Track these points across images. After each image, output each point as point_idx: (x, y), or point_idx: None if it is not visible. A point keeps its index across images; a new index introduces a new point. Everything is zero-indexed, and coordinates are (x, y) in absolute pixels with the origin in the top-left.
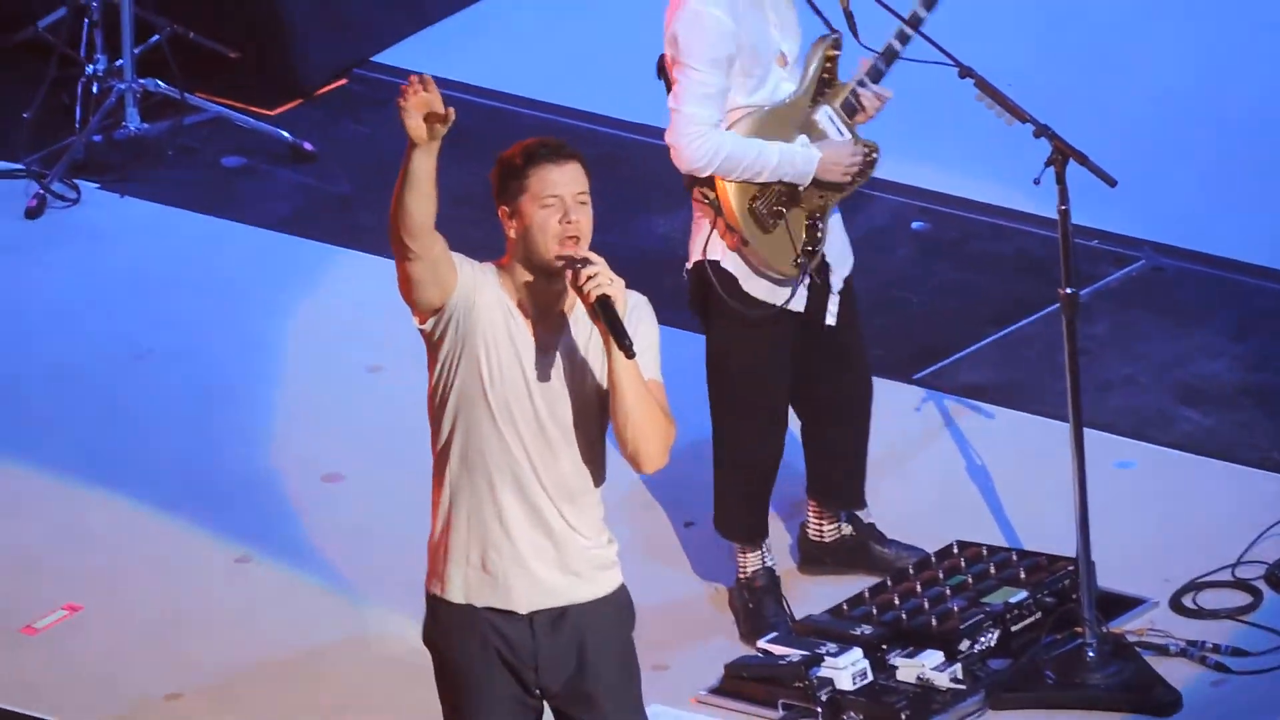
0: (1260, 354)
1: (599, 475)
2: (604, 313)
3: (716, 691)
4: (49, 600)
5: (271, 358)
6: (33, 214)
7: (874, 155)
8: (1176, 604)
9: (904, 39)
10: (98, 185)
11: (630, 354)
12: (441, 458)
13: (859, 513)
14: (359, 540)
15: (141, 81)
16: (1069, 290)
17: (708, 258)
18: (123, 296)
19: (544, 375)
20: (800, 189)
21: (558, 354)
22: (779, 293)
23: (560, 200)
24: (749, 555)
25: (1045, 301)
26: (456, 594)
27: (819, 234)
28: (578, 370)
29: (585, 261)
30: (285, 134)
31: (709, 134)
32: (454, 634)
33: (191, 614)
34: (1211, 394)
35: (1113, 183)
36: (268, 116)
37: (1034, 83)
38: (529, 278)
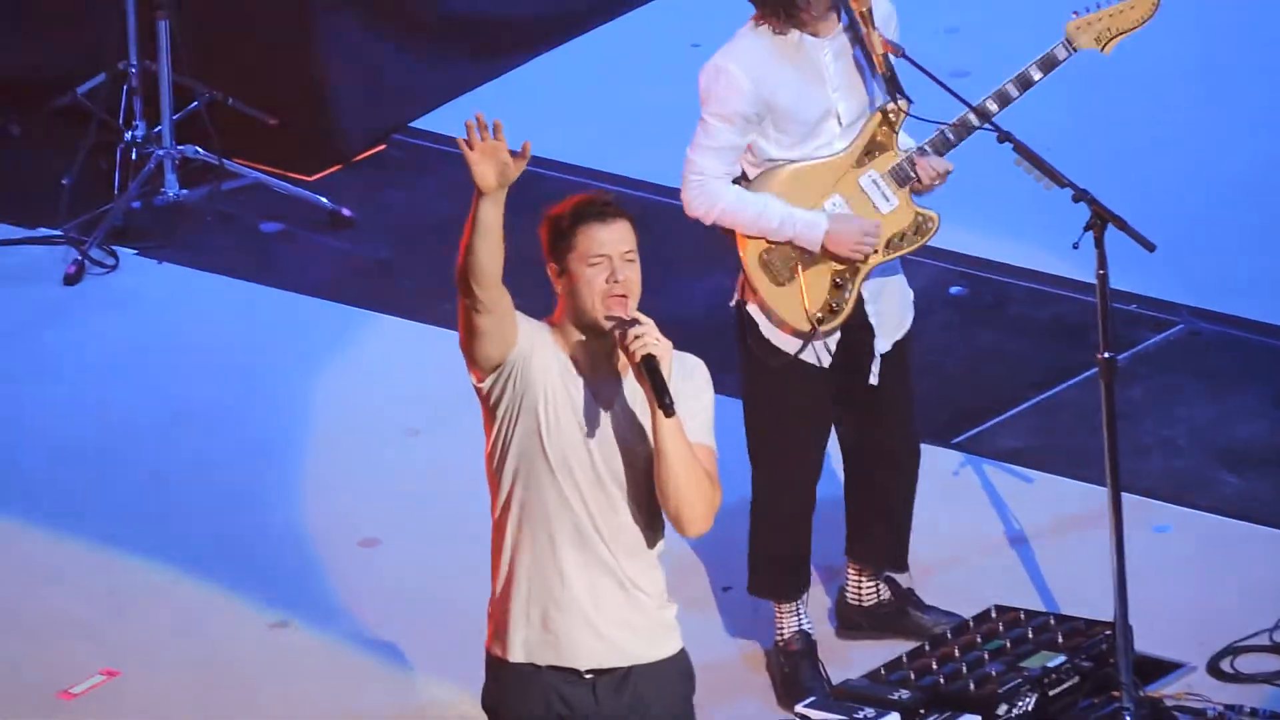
0: None
1: (658, 532)
2: (648, 372)
3: None
4: (86, 666)
5: (309, 422)
6: (71, 280)
7: (930, 224)
8: (1214, 668)
9: (984, 116)
10: (136, 251)
11: (670, 413)
12: (501, 517)
13: (898, 577)
14: (396, 605)
15: (180, 148)
16: (1107, 355)
17: (740, 298)
18: (161, 362)
19: (600, 430)
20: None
21: (614, 409)
22: (793, 343)
23: (608, 259)
24: (785, 619)
25: (1083, 366)
26: (518, 653)
27: (846, 295)
28: (632, 426)
29: (634, 322)
30: (324, 199)
31: (708, 184)
32: (515, 696)
33: (229, 679)
34: (1250, 458)
35: (1151, 247)
36: (306, 182)
37: (1072, 148)
38: (580, 335)
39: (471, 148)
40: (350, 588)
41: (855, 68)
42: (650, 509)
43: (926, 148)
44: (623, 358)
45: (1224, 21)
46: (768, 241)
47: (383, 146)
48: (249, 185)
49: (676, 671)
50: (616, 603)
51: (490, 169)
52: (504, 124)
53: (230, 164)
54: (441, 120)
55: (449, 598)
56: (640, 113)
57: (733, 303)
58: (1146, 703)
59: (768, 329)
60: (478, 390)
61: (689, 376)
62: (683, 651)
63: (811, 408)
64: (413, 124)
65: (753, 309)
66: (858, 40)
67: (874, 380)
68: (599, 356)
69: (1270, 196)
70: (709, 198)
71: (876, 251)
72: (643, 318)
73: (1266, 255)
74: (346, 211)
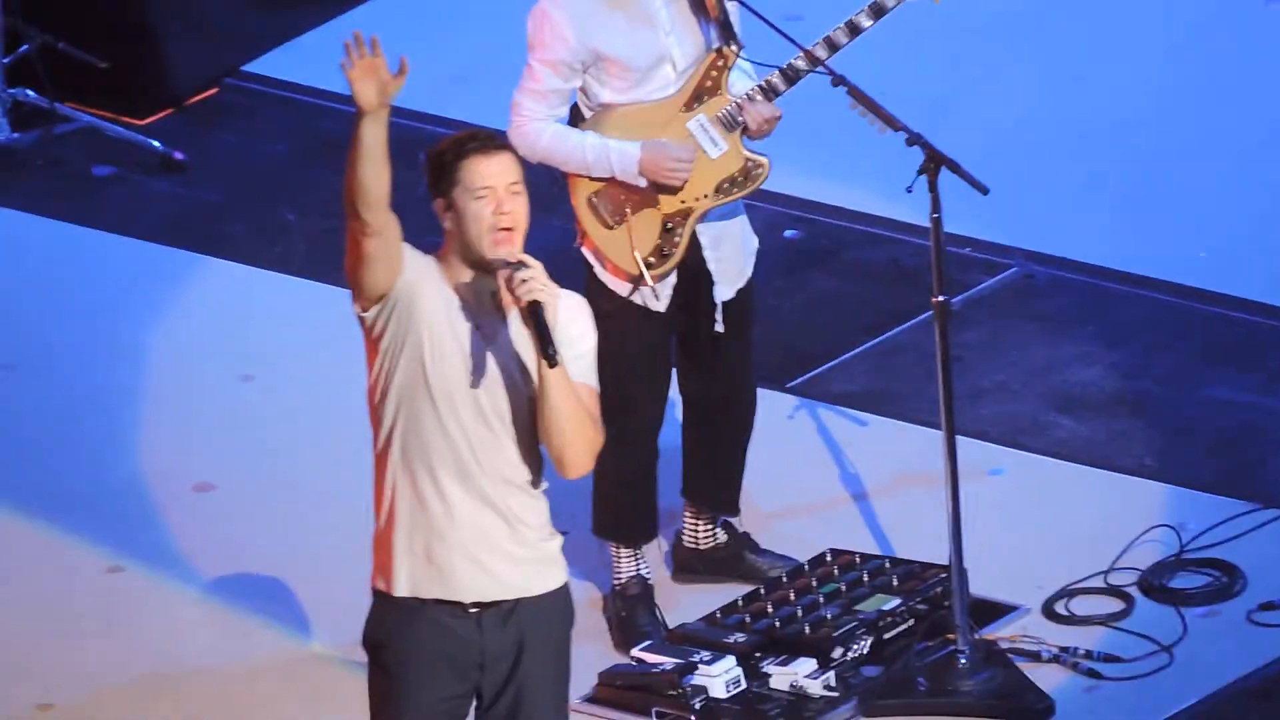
0: (1133, 362)
1: (541, 466)
2: (534, 319)
3: (590, 700)
4: None
5: (142, 368)
6: None
7: (758, 170)
8: (1049, 611)
9: (815, 61)
10: None
11: (553, 364)
12: (383, 450)
13: (733, 521)
14: (231, 550)
15: (11, 91)
16: (941, 298)
17: (578, 242)
18: None
19: (484, 366)
20: (655, 192)
21: (498, 345)
22: (626, 287)
23: (493, 191)
24: (623, 563)
25: (918, 309)
26: (402, 587)
27: (676, 239)
28: (517, 363)
29: (520, 265)
30: (156, 143)
31: (529, 125)
32: (400, 630)
33: (62, 624)
34: (1085, 401)
35: (985, 190)
36: (138, 126)
37: (906, 92)
38: (467, 270)
39: (352, 66)
40: (184, 533)
41: (690, 12)
42: (533, 444)
43: (755, 94)
44: (508, 297)
45: None
46: (596, 183)
47: (215, 90)
48: (80, 129)
49: (559, 608)
50: (500, 536)
51: (370, 87)
52: (336, 68)
53: (62, 108)
54: (274, 64)
55: (283, 543)
56: (474, 55)
57: (575, 244)
58: (981, 645)
59: (600, 272)
60: (361, 320)
61: (574, 319)
62: (565, 586)
63: (648, 354)
64: (245, 68)
65: (586, 252)
66: None
67: (719, 329)
68: (485, 292)
69: (1103, 139)
70: (530, 138)
71: (707, 196)
72: (530, 260)
73: (1099, 198)
74: (178, 155)
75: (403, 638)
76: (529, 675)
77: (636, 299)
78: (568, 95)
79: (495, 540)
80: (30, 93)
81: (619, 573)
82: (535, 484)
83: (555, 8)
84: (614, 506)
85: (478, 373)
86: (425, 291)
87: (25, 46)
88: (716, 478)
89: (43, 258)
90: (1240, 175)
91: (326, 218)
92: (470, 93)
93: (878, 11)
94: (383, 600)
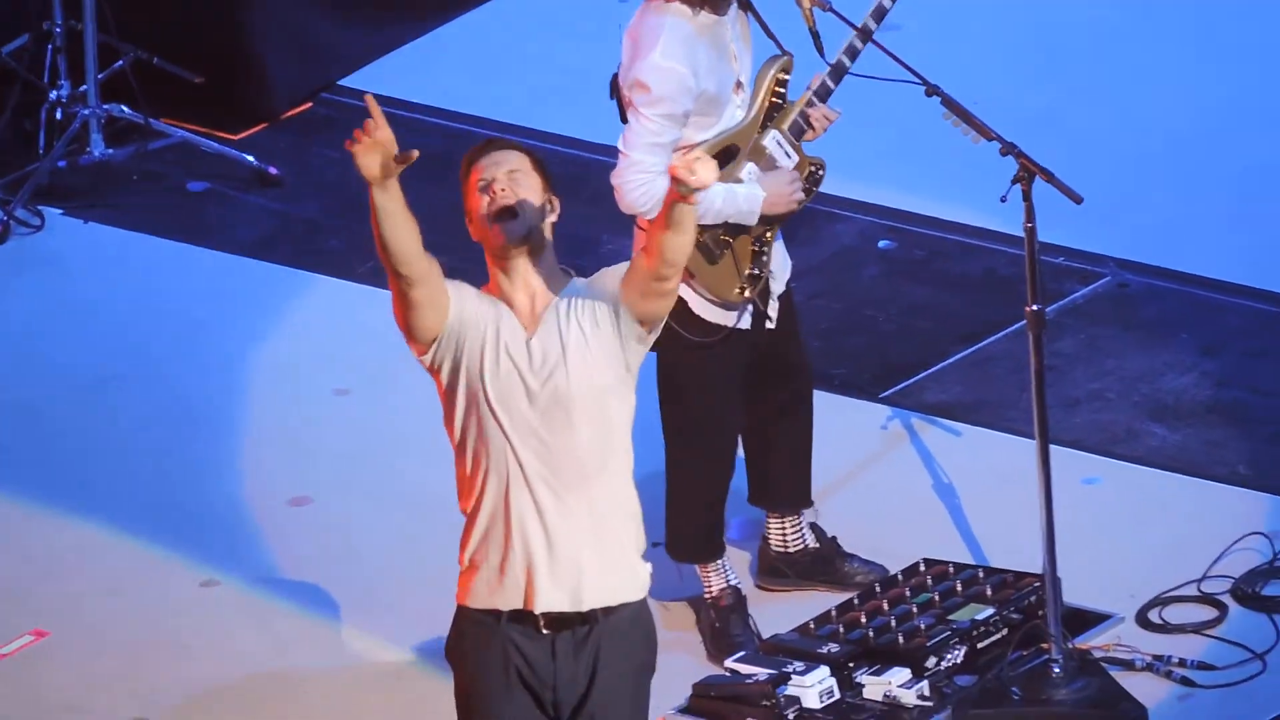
0: (1227, 370)
1: (616, 471)
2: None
3: (685, 711)
4: (15, 626)
5: (237, 382)
6: None
7: (820, 172)
8: (1143, 619)
9: (853, 54)
10: (62, 211)
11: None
12: (461, 469)
13: (821, 526)
14: (326, 563)
15: (106, 107)
16: (1035, 307)
17: None
18: (87, 323)
19: (543, 368)
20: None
21: (548, 345)
22: (728, 316)
23: (490, 181)
24: (712, 575)
25: (1012, 319)
26: (477, 599)
27: (764, 258)
28: (576, 353)
29: (678, 181)
30: (250, 158)
31: (655, 182)
32: (475, 645)
33: (158, 639)
34: (1179, 410)
35: (1079, 200)
36: (233, 141)
37: (1000, 102)
38: (505, 274)
39: (357, 142)
40: (281, 547)
41: (745, 30)
42: (606, 433)
43: (813, 97)
44: (548, 298)
45: None
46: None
47: (309, 105)
48: (175, 144)
49: (639, 629)
50: (581, 539)
51: (374, 160)
52: (431, 82)
53: (156, 123)
54: (368, 79)
55: (379, 557)
56: (567, 70)
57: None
58: (1075, 654)
59: (701, 306)
60: (421, 363)
61: (598, 281)
62: (644, 603)
63: (739, 375)
64: (340, 82)
65: (684, 288)
66: (742, 3)
67: (771, 325)
68: (529, 292)
69: (1197, 147)
70: (656, 194)
71: (808, 193)
72: (681, 170)
73: (1193, 206)
74: (273, 170)
75: (478, 652)
76: (601, 703)
77: (741, 323)
78: (678, 145)
79: (577, 545)
80: (125, 108)
81: (710, 584)
82: (615, 472)
83: (676, 60)
84: (695, 527)
85: (538, 377)
86: (470, 311)
87: (120, 62)
88: (794, 475)
89: (140, 273)
90: None
91: (422, 232)
92: (551, 104)
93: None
94: (462, 614)
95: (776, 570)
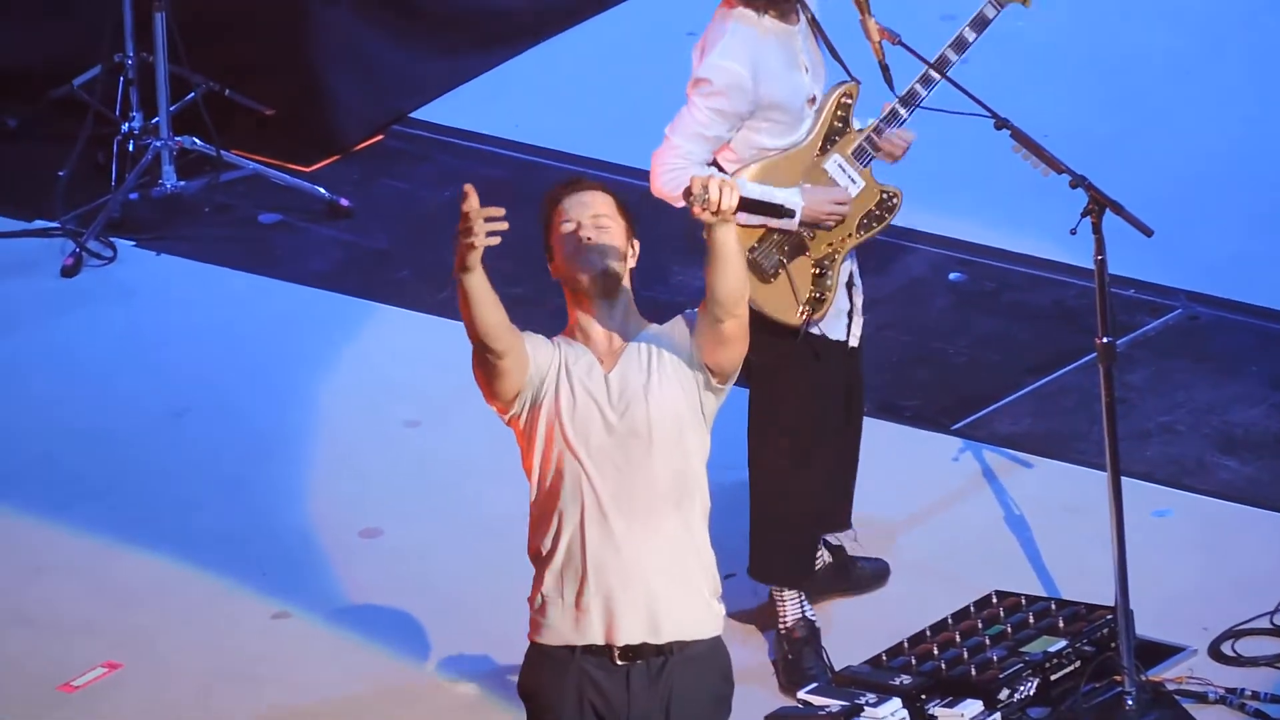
0: None
1: (692, 503)
2: (748, 209)
3: None
4: (88, 659)
5: (309, 413)
6: (69, 273)
7: (894, 200)
8: (1215, 652)
9: (927, 82)
10: (134, 243)
11: (795, 212)
12: (535, 512)
13: (827, 537)
14: (398, 595)
15: (177, 139)
16: (1106, 339)
17: None
18: (160, 354)
19: (619, 401)
20: (806, 238)
21: (627, 378)
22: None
23: (576, 222)
24: (788, 605)
25: (1082, 351)
26: (551, 636)
27: (828, 283)
28: (646, 387)
29: (692, 193)
30: (322, 190)
31: (688, 170)
32: (549, 680)
33: (230, 671)
34: (1250, 442)
35: (1149, 232)
36: (304, 173)
37: (1068, 133)
38: (586, 314)
39: (472, 232)
40: (352, 578)
41: (815, 47)
42: (683, 463)
43: (881, 124)
44: (631, 328)
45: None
46: (754, 236)
47: (381, 137)
48: (247, 176)
49: (713, 662)
50: (653, 568)
51: (478, 254)
52: (501, 114)
53: (228, 155)
54: (439, 111)
55: (450, 588)
56: (638, 100)
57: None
58: (1148, 686)
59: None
60: (503, 419)
61: (673, 328)
62: (719, 639)
63: (836, 389)
64: (411, 114)
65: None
66: (811, 22)
67: (854, 344)
68: (607, 327)
69: (1267, 180)
70: (684, 184)
71: (851, 235)
72: (696, 184)
73: (1263, 239)
74: (345, 202)
75: (552, 688)
76: None
77: (815, 330)
78: (722, 143)
79: (652, 577)
80: (197, 140)
81: (784, 615)
82: (690, 510)
83: (736, 62)
84: (787, 549)
85: (616, 410)
86: (547, 362)
87: (192, 94)
88: (847, 497)
89: (210, 304)
90: None
91: (492, 262)
92: (619, 135)
93: (980, 24)
94: (535, 650)
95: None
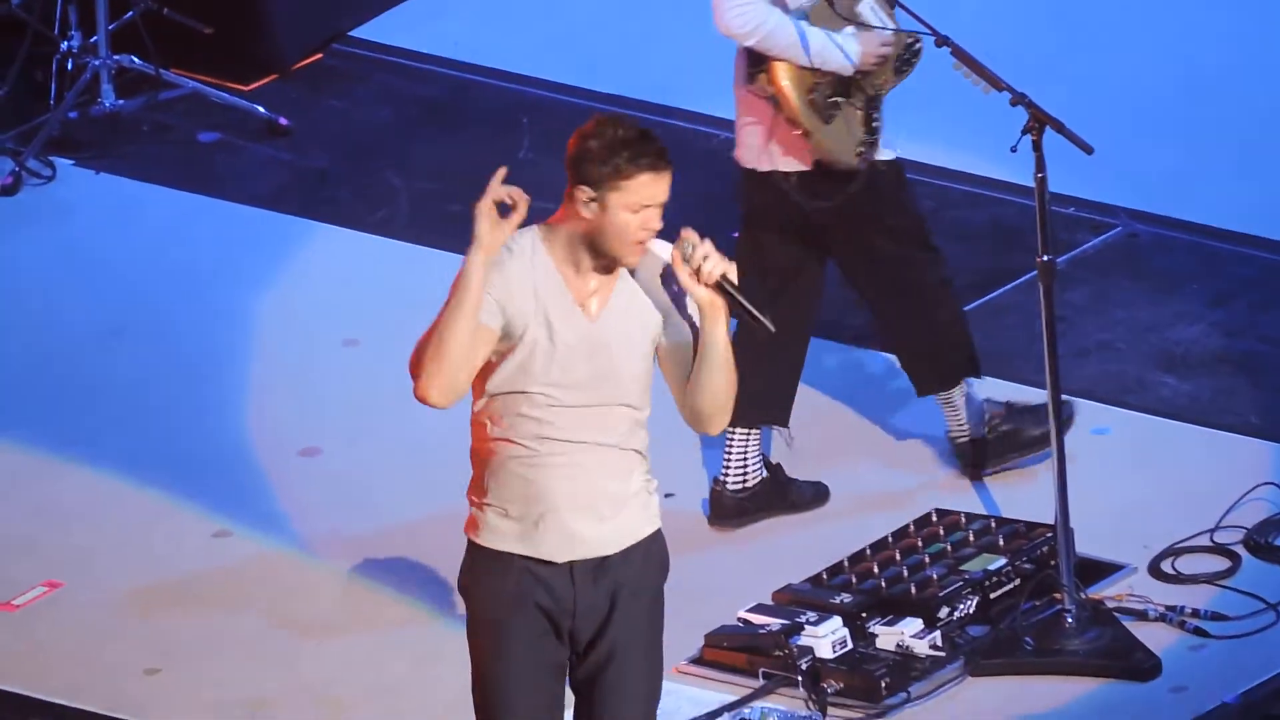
0: (1238, 320)
1: (643, 426)
2: (726, 293)
3: (697, 661)
4: (28, 577)
5: (248, 333)
6: (8, 191)
7: (917, 45)
8: (1155, 569)
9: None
10: (73, 162)
11: (770, 330)
12: (481, 413)
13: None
14: (337, 513)
15: (116, 58)
16: (1046, 258)
17: (778, 168)
18: (98, 273)
19: (588, 333)
20: (857, 81)
21: (602, 314)
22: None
23: (650, 209)
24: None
25: (1022, 269)
26: (495, 540)
27: (875, 123)
28: (620, 329)
29: (690, 245)
30: (261, 109)
31: (756, 5)
32: (489, 576)
33: (170, 589)
34: (1189, 360)
35: (1089, 150)
36: (243, 92)
37: (1008, 51)
38: (581, 248)
39: (502, 215)
40: (292, 497)
41: None
42: (639, 410)
43: None
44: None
45: None
46: (812, 80)
47: (320, 56)
48: (186, 95)
49: (654, 556)
50: (598, 472)
51: (501, 234)
52: (439, 33)
53: (167, 74)
54: (378, 29)
55: (389, 506)
56: (577, 18)
57: (746, 169)
58: (1088, 604)
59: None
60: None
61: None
62: (659, 533)
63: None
64: (350, 33)
65: (789, 164)
66: None
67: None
68: (592, 264)
69: (1207, 97)
70: (757, 18)
71: (889, 79)
72: (694, 236)
73: (1203, 156)
74: (284, 121)
75: (493, 580)
76: (622, 626)
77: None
78: None
79: (592, 480)
80: (135, 59)
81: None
82: (636, 442)
83: None
84: (948, 349)
85: (582, 340)
86: (515, 301)
87: (130, 13)
88: (790, 394)
89: (149, 223)
90: None
91: (431, 182)
92: (560, 55)
93: None
94: (474, 548)
95: (743, 509)
